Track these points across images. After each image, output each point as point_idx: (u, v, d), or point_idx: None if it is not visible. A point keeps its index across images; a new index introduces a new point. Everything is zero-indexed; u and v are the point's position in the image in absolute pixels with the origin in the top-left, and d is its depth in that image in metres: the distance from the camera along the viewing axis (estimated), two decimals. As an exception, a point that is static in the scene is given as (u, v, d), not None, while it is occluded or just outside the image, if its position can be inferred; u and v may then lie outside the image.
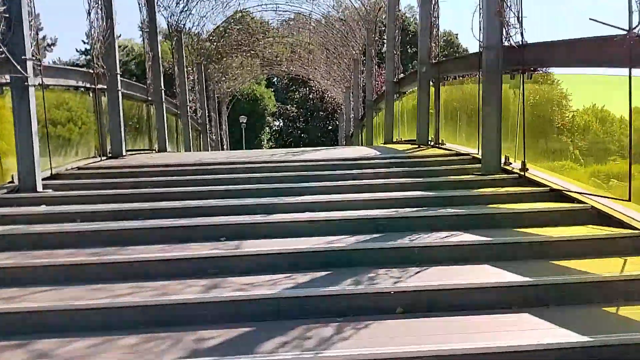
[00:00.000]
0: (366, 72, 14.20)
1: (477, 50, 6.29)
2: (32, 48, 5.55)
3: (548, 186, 4.88)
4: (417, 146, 8.49)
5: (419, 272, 3.26)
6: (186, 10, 14.36)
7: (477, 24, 6.00)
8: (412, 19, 33.94)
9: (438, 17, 8.26)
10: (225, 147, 23.95)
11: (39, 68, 5.82)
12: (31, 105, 5.44)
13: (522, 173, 5.36)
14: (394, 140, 11.06)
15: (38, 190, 5.44)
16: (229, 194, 5.20)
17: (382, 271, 3.27)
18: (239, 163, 6.87)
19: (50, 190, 5.54)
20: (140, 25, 11.12)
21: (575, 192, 4.61)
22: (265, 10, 18.59)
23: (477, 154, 6.56)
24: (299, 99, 40.56)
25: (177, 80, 13.89)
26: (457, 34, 40.66)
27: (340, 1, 16.68)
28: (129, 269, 3.41)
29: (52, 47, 41.97)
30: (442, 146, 8.02)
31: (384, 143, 11.34)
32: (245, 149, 33.82)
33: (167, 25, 13.96)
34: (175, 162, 7.26)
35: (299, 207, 4.64)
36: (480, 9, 5.98)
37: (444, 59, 9.11)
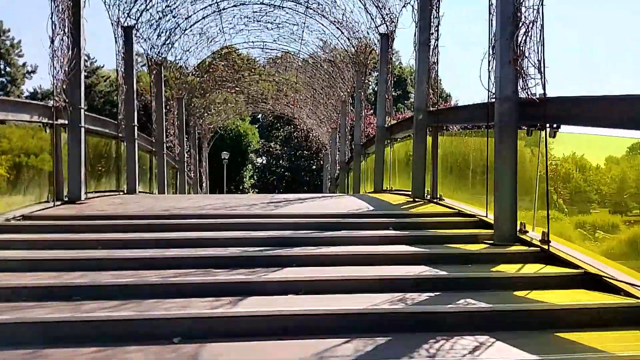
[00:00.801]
0: (355, 115, 13.57)
1: (482, 101, 5.74)
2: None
3: (581, 268, 4.05)
4: (412, 199, 7.71)
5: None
6: (168, 44, 13.66)
7: (485, 72, 5.41)
8: (396, 63, 34.17)
9: (437, 63, 7.66)
10: (204, 185, 22.90)
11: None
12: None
13: (545, 247, 4.55)
14: (384, 188, 10.31)
15: (-39, 249, 4.43)
16: (193, 262, 4.26)
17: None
18: (211, 217, 5.95)
19: (-22, 249, 4.53)
20: (116, 55, 10.34)
21: (619, 280, 3.76)
22: (252, 48, 18.06)
23: (485, 216, 5.82)
24: (284, 137, 39.99)
25: (154, 116, 13.04)
26: (440, 79, 41.13)
27: (329, 42, 16.22)
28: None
29: (32, 74, 41.13)
30: (441, 202, 7.24)
31: (374, 191, 10.56)
32: (227, 185, 32.88)
33: (146, 58, 13.21)
34: (137, 212, 6.29)
35: (278, 288, 3.73)
36: (490, 56, 5.37)
37: (443, 107, 8.49)
